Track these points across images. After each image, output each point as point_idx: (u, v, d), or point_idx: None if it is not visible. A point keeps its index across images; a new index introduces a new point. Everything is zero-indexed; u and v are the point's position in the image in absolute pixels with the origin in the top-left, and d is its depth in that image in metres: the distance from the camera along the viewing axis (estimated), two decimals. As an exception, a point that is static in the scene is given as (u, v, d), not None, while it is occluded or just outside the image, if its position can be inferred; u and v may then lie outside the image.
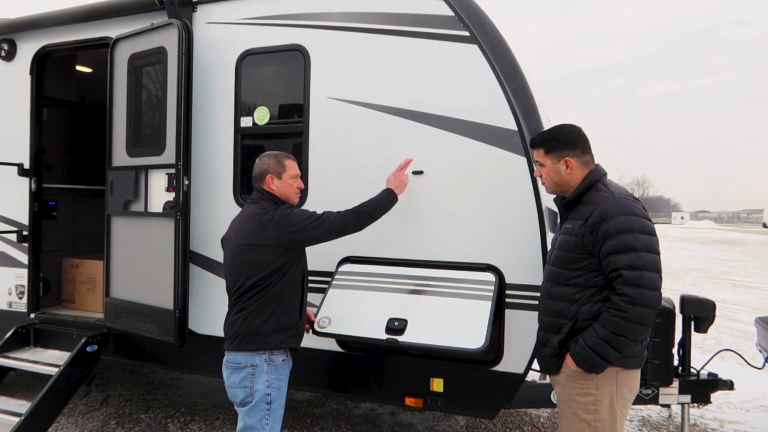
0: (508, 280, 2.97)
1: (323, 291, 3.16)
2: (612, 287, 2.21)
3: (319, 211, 2.74)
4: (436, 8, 3.06)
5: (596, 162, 2.46)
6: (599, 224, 2.22)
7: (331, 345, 3.30)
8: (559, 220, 2.59)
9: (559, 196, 2.54)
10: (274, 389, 2.56)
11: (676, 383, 3.53)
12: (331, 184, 3.30)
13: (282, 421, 2.67)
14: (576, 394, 2.32)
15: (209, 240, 3.60)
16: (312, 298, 3.19)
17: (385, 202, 2.89)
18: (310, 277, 2.95)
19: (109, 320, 3.83)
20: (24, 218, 4.29)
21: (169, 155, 3.45)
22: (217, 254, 3.58)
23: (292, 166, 2.79)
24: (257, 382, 2.54)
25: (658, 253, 2.21)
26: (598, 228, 2.23)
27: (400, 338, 2.79)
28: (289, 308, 2.64)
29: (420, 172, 3.11)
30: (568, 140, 2.42)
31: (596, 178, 2.38)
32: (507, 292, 2.97)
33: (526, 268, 2.93)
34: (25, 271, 4.27)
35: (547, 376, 2.67)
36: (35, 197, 4.27)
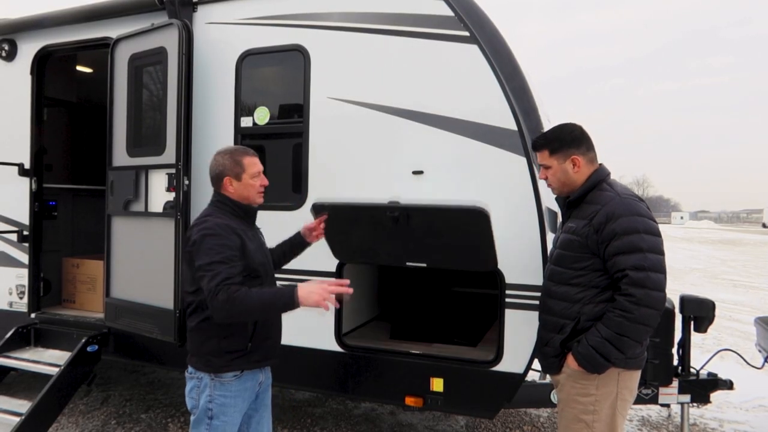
0: (508, 280, 2.97)
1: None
2: (615, 288, 2.21)
3: (232, 267, 2.19)
4: (435, 8, 3.06)
5: (599, 161, 2.46)
6: (605, 224, 2.22)
7: (331, 345, 3.30)
8: (560, 219, 2.59)
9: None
10: (216, 405, 2.34)
11: (675, 383, 3.53)
12: (330, 184, 3.30)
13: None
14: (576, 394, 2.32)
15: (209, 240, 3.60)
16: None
17: (277, 298, 2.21)
18: (309, 277, 2.93)
19: (110, 320, 3.83)
20: (24, 218, 4.29)
21: (169, 155, 3.46)
22: (218, 254, 3.59)
23: (251, 163, 2.45)
24: (201, 396, 2.37)
25: (663, 253, 2.22)
26: (603, 228, 2.22)
27: (401, 202, 2.95)
28: (232, 329, 2.33)
29: (420, 172, 3.11)
30: (572, 139, 2.41)
31: (600, 177, 2.38)
32: (507, 291, 2.97)
33: (525, 267, 2.93)
34: (25, 271, 4.27)
35: (548, 375, 2.68)
36: (36, 197, 4.28)
